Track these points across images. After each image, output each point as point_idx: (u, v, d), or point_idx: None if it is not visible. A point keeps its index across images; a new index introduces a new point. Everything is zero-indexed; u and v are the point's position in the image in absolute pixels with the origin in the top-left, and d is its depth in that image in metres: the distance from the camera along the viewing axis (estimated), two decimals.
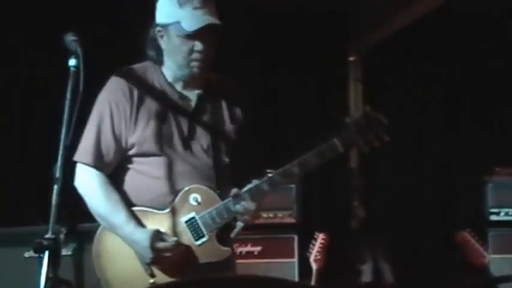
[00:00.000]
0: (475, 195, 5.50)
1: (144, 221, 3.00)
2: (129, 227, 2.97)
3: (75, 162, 3.02)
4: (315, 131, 6.30)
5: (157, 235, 2.95)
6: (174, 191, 3.01)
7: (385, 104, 6.25)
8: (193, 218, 3.00)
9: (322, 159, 3.05)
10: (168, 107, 3.06)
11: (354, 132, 3.07)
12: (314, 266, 4.79)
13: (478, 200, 5.37)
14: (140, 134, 3.01)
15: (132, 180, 3.07)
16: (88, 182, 3.02)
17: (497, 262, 4.89)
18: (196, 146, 3.06)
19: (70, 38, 2.65)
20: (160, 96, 3.07)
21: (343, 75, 6.61)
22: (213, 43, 3.02)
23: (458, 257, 4.69)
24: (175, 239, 2.95)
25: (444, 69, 6.55)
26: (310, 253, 4.83)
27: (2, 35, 5.54)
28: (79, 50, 2.60)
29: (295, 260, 5.29)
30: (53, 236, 2.37)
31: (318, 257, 4.78)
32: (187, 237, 2.99)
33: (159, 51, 3.08)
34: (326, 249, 4.80)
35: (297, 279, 5.15)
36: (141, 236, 2.95)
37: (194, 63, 3.01)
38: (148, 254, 2.94)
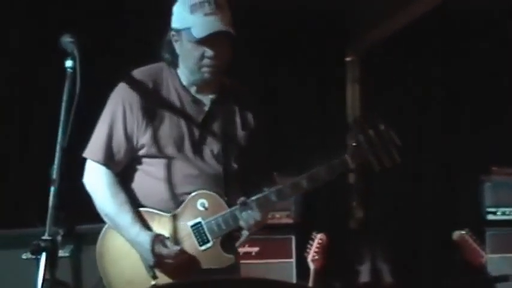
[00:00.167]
0: (472, 195, 5.50)
1: (150, 223, 3.02)
2: (134, 229, 2.98)
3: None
4: (315, 131, 6.32)
5: (160, 240, 2.96)
6: (181, 195, 3.02)
7: (384, 104, 6.27)
8: (199, 223, 3.01)
9: (332, 175, 3.05)
10: (180, 109, 3.06)
11: (366, 150, 3.06)
12: (312, 267, 4.78)
13: (476, 199, 5.38)
14: (151, 134, 3.02)
15: (140, 181, 3.08)
16: (97, 180, 3.04)
17: (495, 261, 4.89)
18: (206, 151, 3.07)
19: (66, 40, 2.65)
20: (173, 98, 3.07)
21: (343, 76, 6.62)
22: (225, 49, 3.01)
23: (457, 256, 4.70)
24: (178, 247, 2.96)
25: (443, 70, 6.55)
26: (308, 253, 4.83)
27: (2, 34, 5.54)
28: (76, 52, 2.60)
29: (293, 260, 5.30)
30: (50, 238, 2.37)
31: (316, 257, 4.78)
32: (191, 242, 3.00)
33: (174, 55, 3.08)
34: (324, 250, 4.80)
35: (294, 279, 5.16)
36: (145, 239, 2.96)
37: (205, 69, 3.01)
38: (151, 258, 2.96)
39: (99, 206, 3.05)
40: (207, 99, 3.10)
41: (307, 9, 6.18)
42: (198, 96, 3.09)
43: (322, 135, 6.24)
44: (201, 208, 3.02)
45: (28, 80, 5.69)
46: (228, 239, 3.06)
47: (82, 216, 3.05)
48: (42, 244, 2.36)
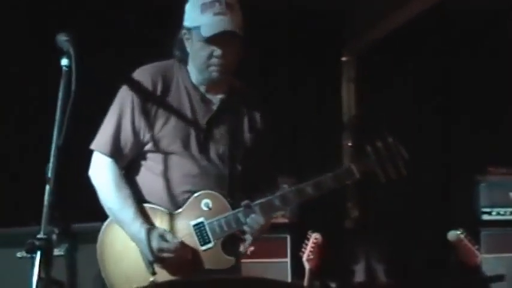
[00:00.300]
0: (467, 195, 5.51)
1: (153, 219, 3.02)
2: (135, 225, 2.98)
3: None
4: (314, 131, 6.33)
5: (160, 235, 2.96)
6: (184, 193, 3.03)
7: (380, 104, 6.28)
8: (201, 223, 3.02)
9: (338, 183, 3.07)
10: (189, 107, 3.07)
11: (373, 161, 3.08)
12: (307, 266, 4.78)
13: (471, 199, 5.39)
14: (158, 130, 3.03)
15: (144, 177, 3.08)
16: (102, 173, 3.04)
17: (489, 262, 4.91)
18: (212, 151, 3.07)
19: (62, 38, 2.65)
20: (183, 95, 3.08)
21: (338, 75, 6.62)
22: (233, 49, 3.02)
23: (452, 256, 4.70)
24: (178, 241, 2.96)
25: (440, 70, 6.55)
26: (303, 253, 4.83)
27: (2, 34, 5.54)
28: (71, 50, 2.60)
29: (288, 260, 5.31)
30: (45, 236, 2.36)
31: (311, 256, 4.77)
32: (193, 241, 3.01)
33: (185, 53, 3.09)
34: (319, 249, 4.80)
35: (289, 279, 5.17)
36: (145, 235, 2.96)
37: (212, 68, 3.02)
38: (150, 253, 2.96)
39: (103, 199, 3.05)
40: (216, 99, 3.11)
41: (305, 9, 6.19)
42: (208, 96, 3.10)
43: (318, 134, 6.25)
44: (205, 208, 3.02)
45: (28, 80, 5.68)
46: (230, 241, 3.06)
47: (77, 215, 3.03)
48: (37, 243, 2.35)
